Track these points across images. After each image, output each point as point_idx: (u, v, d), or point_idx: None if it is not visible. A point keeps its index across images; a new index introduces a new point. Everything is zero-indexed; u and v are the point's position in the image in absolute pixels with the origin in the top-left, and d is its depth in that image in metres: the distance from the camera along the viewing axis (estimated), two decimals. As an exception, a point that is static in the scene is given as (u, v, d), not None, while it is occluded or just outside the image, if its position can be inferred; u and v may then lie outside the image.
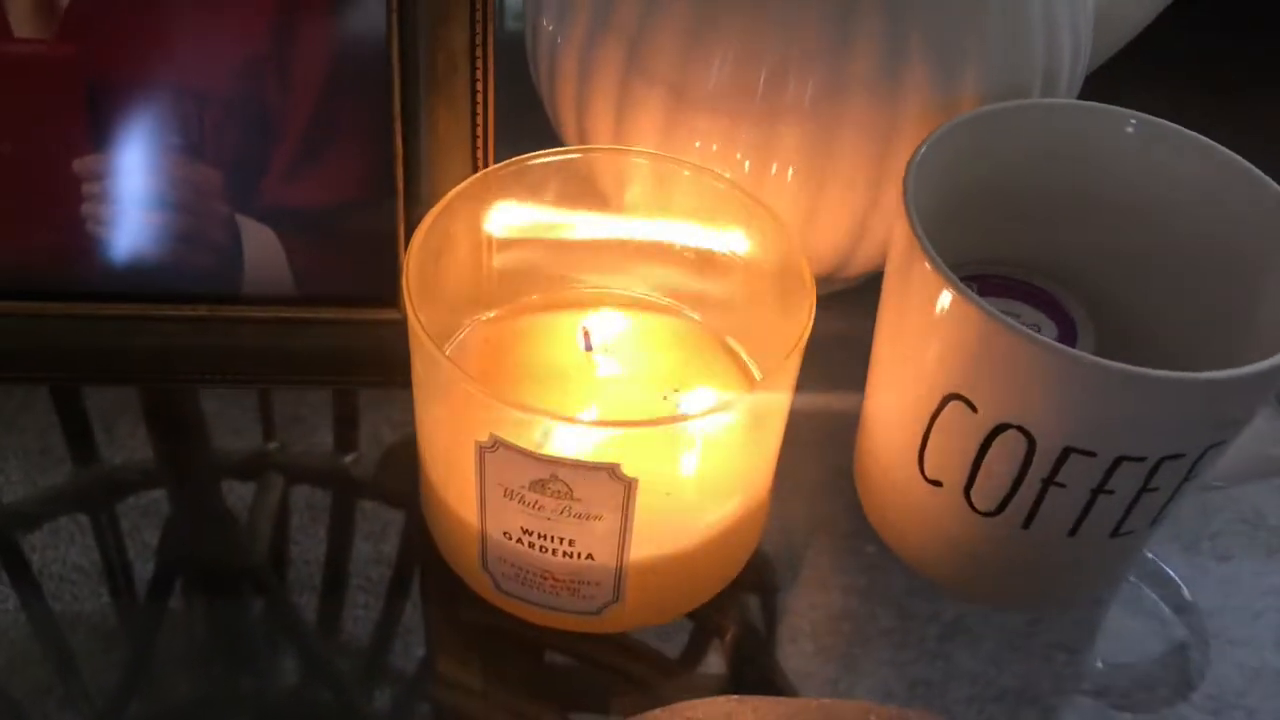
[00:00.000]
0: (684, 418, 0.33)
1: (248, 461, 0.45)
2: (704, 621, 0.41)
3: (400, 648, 0.41)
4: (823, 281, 0.44)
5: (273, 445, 0.45)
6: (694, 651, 0.41)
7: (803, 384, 0.37)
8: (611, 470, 0.33)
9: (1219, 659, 0.40)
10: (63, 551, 0.42)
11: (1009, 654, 0.40)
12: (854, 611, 0.42)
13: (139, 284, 0.43)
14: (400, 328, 0.43)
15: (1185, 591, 0.42)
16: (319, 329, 0.43)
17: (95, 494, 0.43)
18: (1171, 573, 0.43)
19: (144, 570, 0.41)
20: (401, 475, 0.43)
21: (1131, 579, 0.42)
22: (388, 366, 0.43)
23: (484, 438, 0.34)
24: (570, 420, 0.33)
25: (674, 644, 0.40)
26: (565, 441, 0.34)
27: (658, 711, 0.33)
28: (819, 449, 0.44)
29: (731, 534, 0.38)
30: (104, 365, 0.44)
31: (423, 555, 0.42)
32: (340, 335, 0.44)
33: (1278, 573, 0.43)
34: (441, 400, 0.36)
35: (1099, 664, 0.40)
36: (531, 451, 0.33)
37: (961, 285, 0.34)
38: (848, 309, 0.42)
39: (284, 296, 0.43)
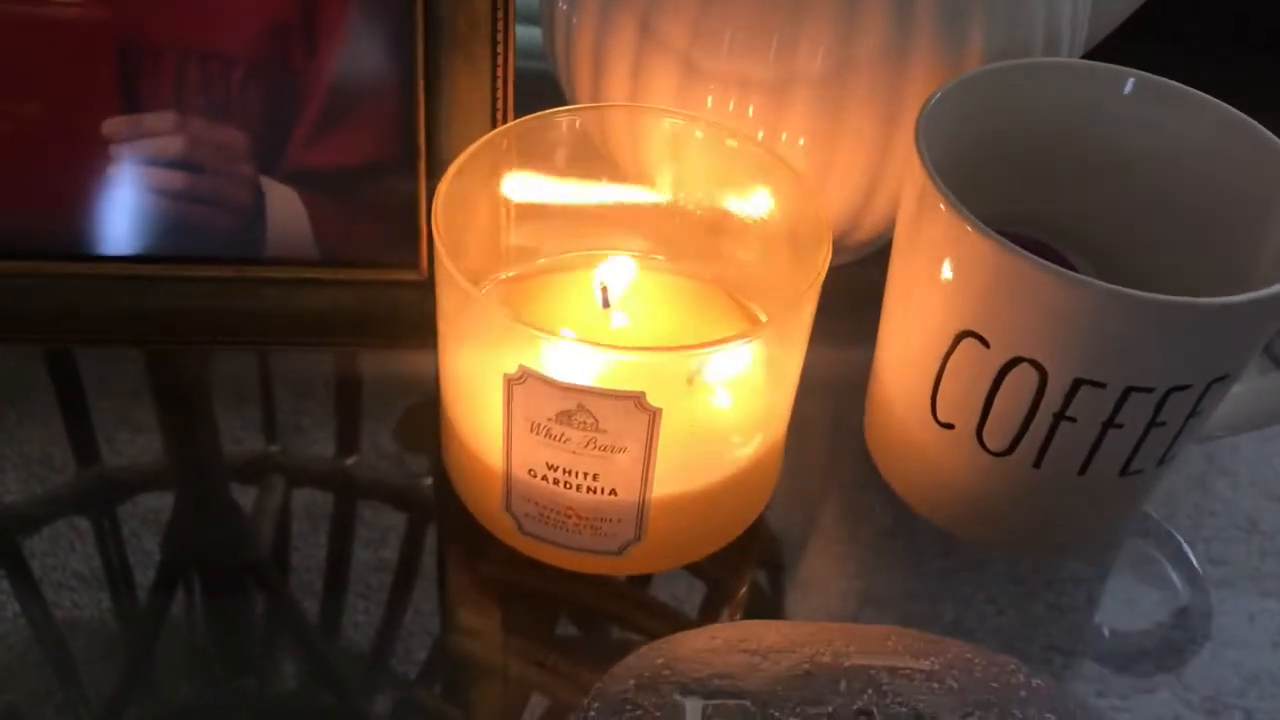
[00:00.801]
0: (707, 344, 0.34)
1: (261, 434, 0.45)
2: (720, 572, 0.42)
3: (422, 603, 0.41)
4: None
5: (282, 413, 0.46)
6: (711, 605, 0.41)
7: (813, 350, 0.38)
8: (637, 400, 0.34)
9: (1216, 661, 0.41)
10: (62, 559, 0.42)
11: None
12: (867, 562, 0.42)
13: (164, 245, 0.44)
14: (420, 288, 0.44)
15: (1180, 595, 0.43)
16: (340, 290, 0.44)
17: (95, 500, 0.43)
18: (1168, 576, 0.44)
19: (145, 569, 0.41)
20: (420, 436, 0.44)
21: (1127, 581, 0.43)
22: (408, 327, 0.44)
23: (513, 370, 0.35)
24: (598, 345, 0.34)
25: (690, 602, 0.41)
26: (590, 374, 0.35)
27: (684, 634, 0.34)
28: (830, 408, 0.45)
29: (749, 475, 0.39)
30: (129, 326, 0.44)
31: (443, 512, 0.43)
32: (361, 296, 0.44)
33: (1272, 577, 0.44)
34: (470, 338, 0.37)
35: (1096, 667, 0.41)
36: (559, 381, 0.34)
37: (975, 220, 0.35)
38: (852, 281, 0.43)
39: (306, 258, 0.44)
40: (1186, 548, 0.44)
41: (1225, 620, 0.42)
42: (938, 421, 0.39)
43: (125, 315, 0.44)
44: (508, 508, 0.39)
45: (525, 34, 0.45)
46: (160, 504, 0.43)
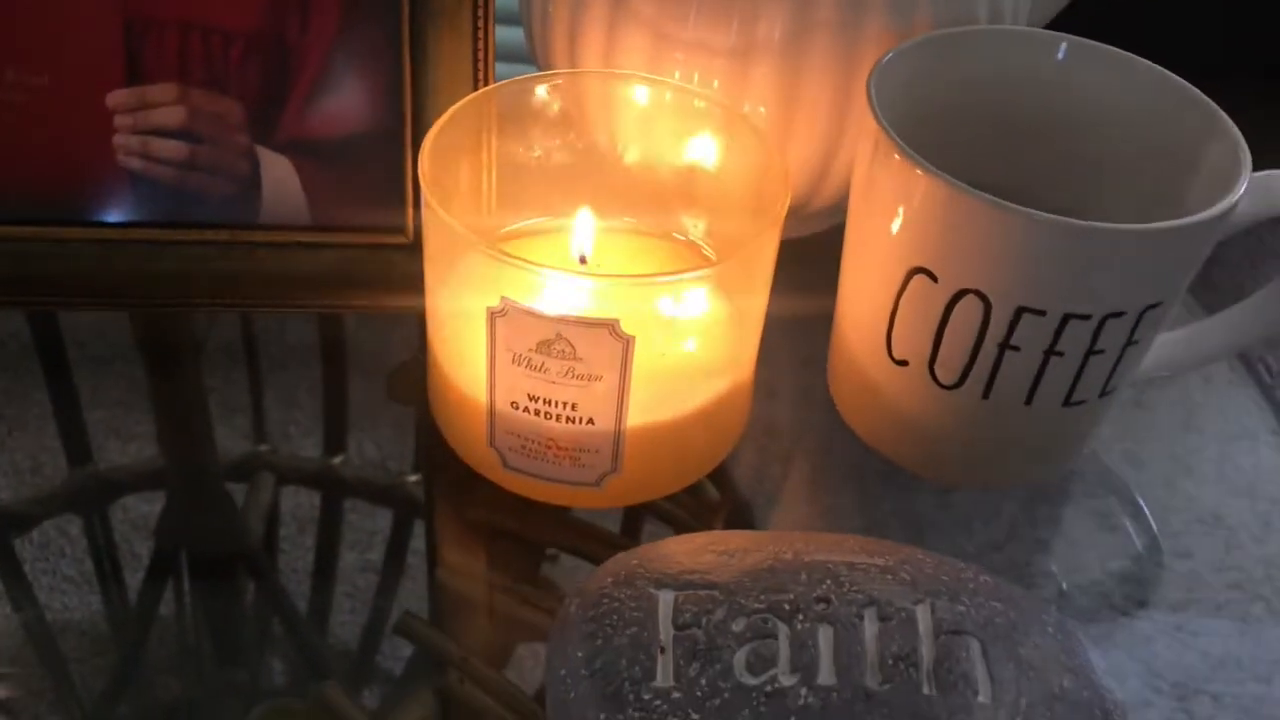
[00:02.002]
0: (674, 272, 0.37)
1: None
2: (692, 506, 0.44)
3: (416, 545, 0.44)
4: (792, 215, 0.48)
5: (277, 374, 0.48)
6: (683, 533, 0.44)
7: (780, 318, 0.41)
8: (611, 327, 0.37)
9: (1184, 649, 0.42)
10: (53, 563, 0.43)
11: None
12: (834, 501, 0.45)
13: (165, 211, 0.46)
14: (407, 251, 0.46)
15: (1149, 587, 0.45)
16: (331, 253, 0.47)
17: (87, 503, 0.45)
18: (1136, 569, 0.45)
19: (138, 562, 0.43)
20: (408, 390, 0.47)
21: (1095, 574, 0.45)
22: (395, 289, 0.47)
23: (495, 302, 0.37)
24: (574, 272, 0.36)
25: (663, 536, 0.43)
26: (567, 307, 0.38)
27: (656, 541, 0.36)
28: (793, 367, 0.48)
29: (720, 410, 0.42)
30: (129, 289, 0.47)
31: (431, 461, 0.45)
32: (351, 259, 0.47)
33: (1236, 568, 0.45)
34: (455, 274, 0.39)
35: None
36: (538, 311, 0.37)
37: (924, 161, 0.38)
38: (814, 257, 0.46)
39: (298, 223, 0.47)
40: (1154, 542, 0.46)
41: (1193, 610, 0.44)
42: (893, 359, 0.42)
43: (126, 278, 0.47)
44: (492, 442, 0.41)
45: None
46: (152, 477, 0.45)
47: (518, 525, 0.44)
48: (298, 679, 0.40)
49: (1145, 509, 0.47)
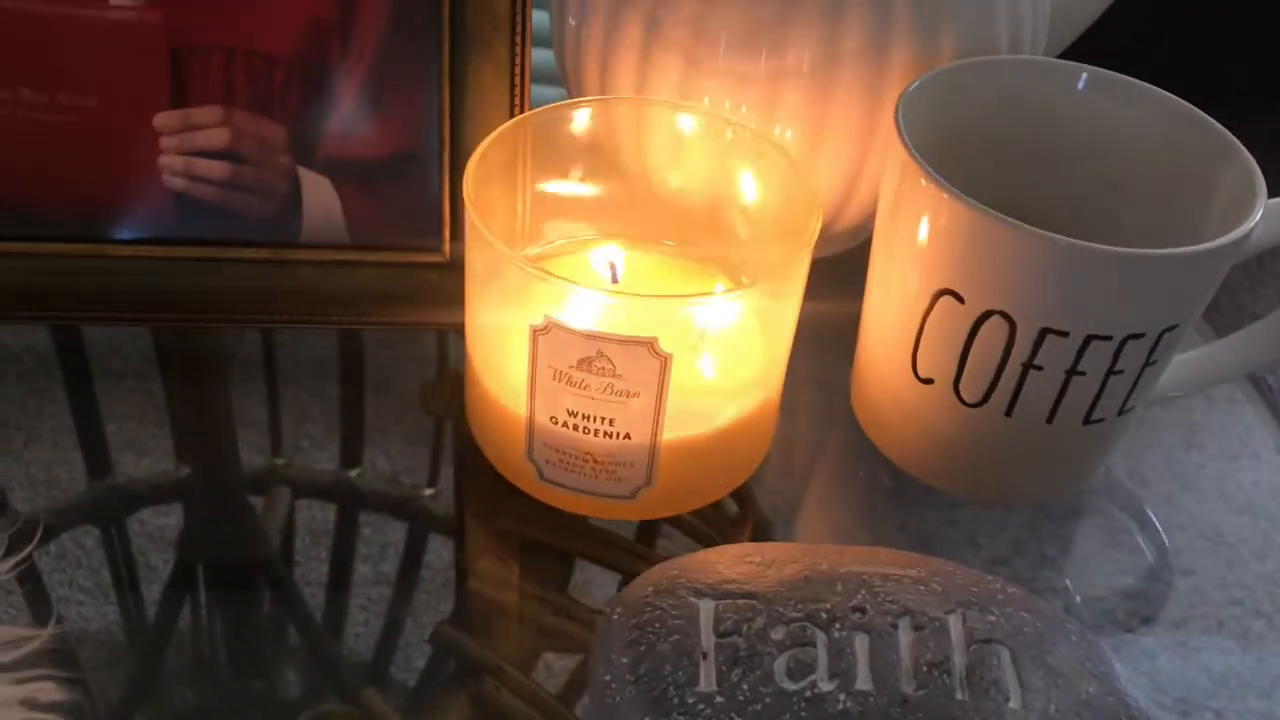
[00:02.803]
0: (712, 294, 0.38)
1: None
2: (722, 520, 0.46)
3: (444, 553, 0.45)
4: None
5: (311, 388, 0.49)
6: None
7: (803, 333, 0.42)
8: (650, 345, 0.38)
9: (1187, 665, 0.43)
10: (69, 574, 0.44)
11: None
12: (841, 517, 0.46)
13: (208, 229, 0.48)
14: (443, 270, 0.48)
15: (1152, 603, 0.45)
16: (370, 271, 0.48)
17: (105, 516, 0.45)
18: (1139, 585, 0.46)
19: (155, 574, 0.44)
20: (443, 403, 0.48)
21: (1100, 590, 0.46)
22: (432, 306, 0.48)
23: (538, 320, 0.39)
24: (616, 292, 0.38)
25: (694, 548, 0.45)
26: (607, 326, 0.39)
27: (693, 554, 0.38)
28: (820, 378, 0.50)
29: (749, 427, 0.43)
30: (174, 305, 0.48)
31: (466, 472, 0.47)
32: (388, 277, 0.48)
33: (1238, 585, 0.46)
34: (498, 293, 0.41)
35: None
36: (581, 330, 0.38)
37: (951, 187, 0.39)
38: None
39: (338, 242, 0.48)
40: (1157, 558, 0.47)
41: (1195, 627, 0.44)
42: (918, 378, 0.43)
43: (170, 295, 0.48)
44: (530, 455, 0.42)
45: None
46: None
47: (548, 536, 0.45)
48: (336, 688, 0.41)
49: (1148, 526, 0.48)
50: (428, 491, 0.47)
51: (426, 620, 0.43)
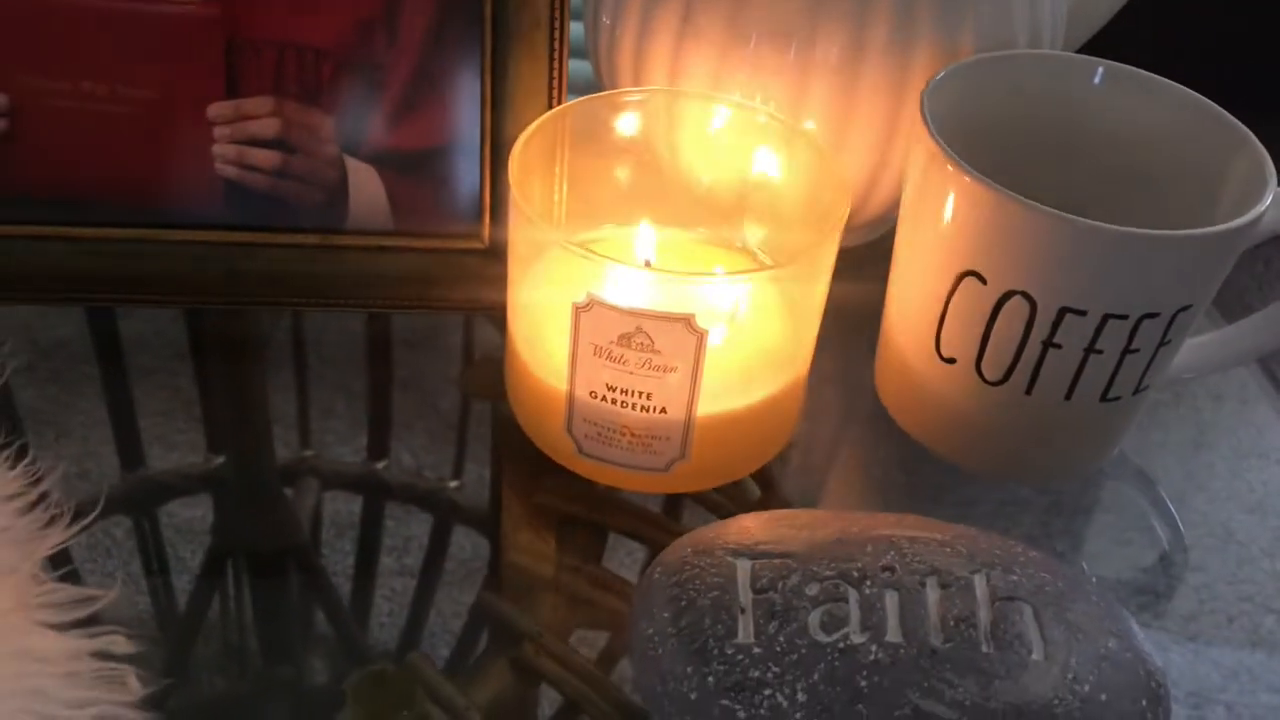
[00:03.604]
0: (746, 271, 0.40)
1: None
2: (752, 492, 0.47)
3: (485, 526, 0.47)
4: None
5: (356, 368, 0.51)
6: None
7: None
8: (688, 321, 0.40)
9: (1198, 659, 0.44)
10: (100, 563, 0.45)
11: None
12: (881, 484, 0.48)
13: (258, 215, 0.50)
14: (482, 255, 0.50)
15: (1162, 600, 0.46)
16: (413, 257, 0.50)
17: (135, 508, 0.46)
18: (1150, 581, 0.47)
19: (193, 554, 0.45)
20: (483, 384, 0.50)
21: (1112, 588, 0.46)
22: (472, 290, 0.50)
23: (581, 298, 0.41)
24: (657, 270, 0.40)
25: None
26: (645, 303, 0.41)
27: (727, 519, 0.39)
28: (844, 361, 0.51)
29: (778, 403, 0.45)
30: (225, 289, 0.50)
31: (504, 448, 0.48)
32: (430, 262, 0.50)
33: (1248, 582, 0.47)
34: (541, 273, 0.42)
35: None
36: (622, 307, 0.40)
37: (975, 171, 0.41)
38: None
39: (382, 228, 0.50)
40: (1167, 556, 0.48)
41: (1206, 622, 0.45)
42: (941, 357, 0.45)
43: (221, 278, 0.50)
44: (569, 429, 0.44)
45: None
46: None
47: (582, 510, 0.47)
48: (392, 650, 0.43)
49: (1159, 524, 0.49)
50: (453, 484, 0.49)
51: (464, 599, 0.44)
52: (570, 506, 0.47)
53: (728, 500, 0.47)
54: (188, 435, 0.49)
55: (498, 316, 0.48)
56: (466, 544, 0.47)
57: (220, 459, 0.49)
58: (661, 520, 0.47)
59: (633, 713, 0.40)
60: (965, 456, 0.47)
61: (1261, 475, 0.52)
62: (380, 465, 0.49)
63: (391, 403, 0.52)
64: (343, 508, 0.47)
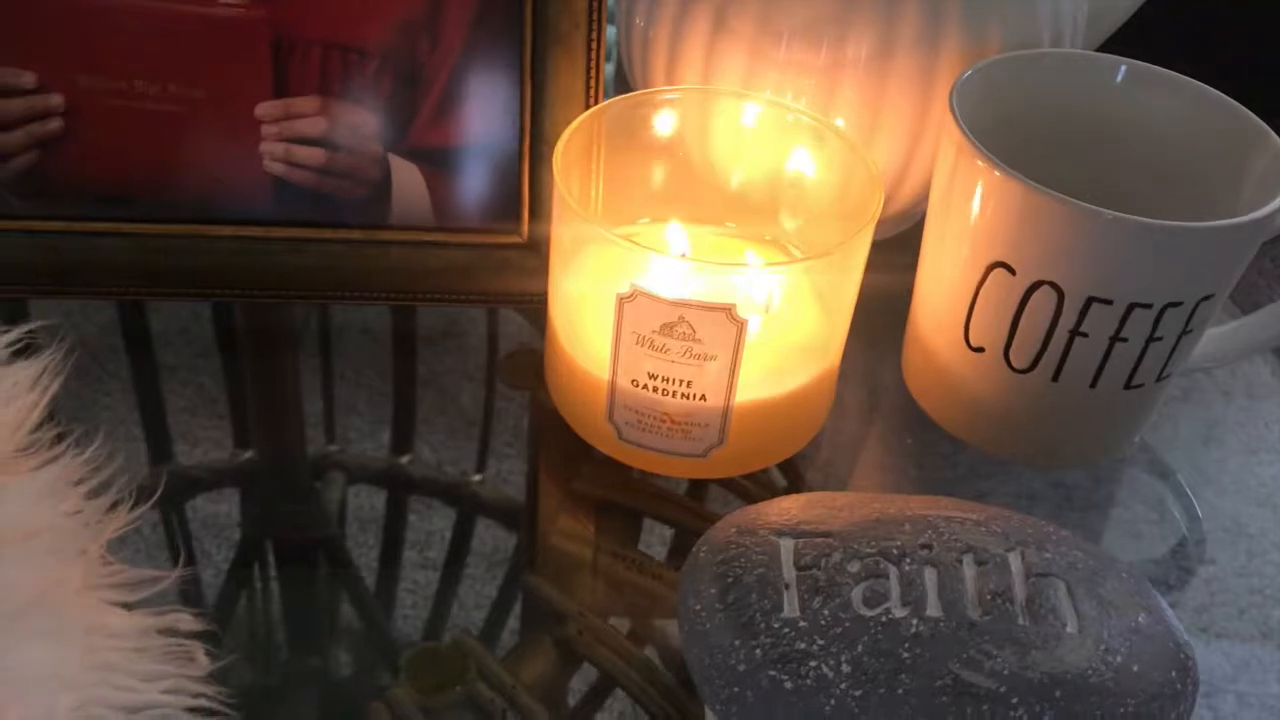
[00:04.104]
0: (787, 262, 0.41)
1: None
2: (787, 478, 0.49)
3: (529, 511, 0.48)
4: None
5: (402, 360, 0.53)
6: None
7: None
8: (729, 311, 0.42)
9: (1209, 649, 0.45)
10: (129, 556, 0.45)
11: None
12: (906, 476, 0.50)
13: (305, 211, 0.51)
14: (521, 250, 0.51)
15: (1174, 592, 0.47)
16: (454, 252, 0.52)
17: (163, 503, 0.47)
18: (1161, 573, 0.48)
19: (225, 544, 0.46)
20: (522, 374, 0.52)
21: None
22: (511, 283, 0.52)
23: (625, 289, 0.42)
24: (701, 261, 0.41)
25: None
26: (687, 293, 0.42)
27: (767, 501, 0.41)
28: (869, 355, 0.53)
29: (812, 392, 0.46)
30: (271, 283, 0.52)
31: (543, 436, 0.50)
32: (471, 257, 0.52)
33: (1258, 574, 0.48)
34: (584, 265, 0.44)
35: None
36: (665, 297, 0.42)
37: (1004, 165, 0.42)
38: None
39: (424, 224, 0.52)
40: (1178, 548, 0.49)
41: (1216, 614, 0.46)
42: (970, 346, 0.47)
43: (269, 273, 0.51)
44: (610, 417, 0.46)
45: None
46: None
47: (619, 496, 0.48)
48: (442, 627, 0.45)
49: (1170, 518, 0.50)
50: (476, 477, 0.50)
51: (499, 589, 0.46)
52: (607, 493, 0.49)
53: (757, 488, 0.49)
54: (209, 432, 0.50)
55: (534, 309, 0.49)
56: (496, 535, 0.48)
57: (248, 454, 0.50)
58: (694, 506, 0.48)
59: (670, 690, 0.42)
60: (992, 443, 0.49)
61: (1271, 470, 0.53)
62: (405, 459, 0.50)
63: (416, 398, 0.53)
64: (366, 502, 0.49)
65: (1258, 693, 0.44)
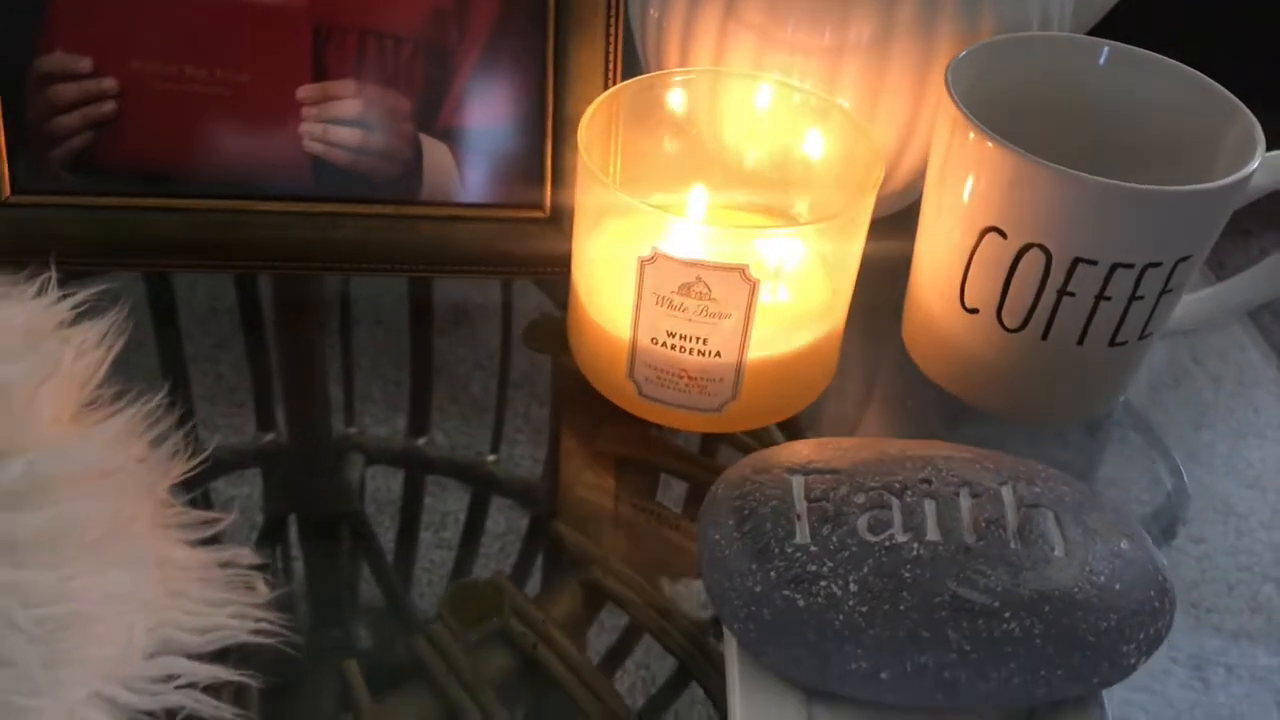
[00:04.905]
0: (795, 224, 0.45)
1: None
2: (796, 432, 0.52)
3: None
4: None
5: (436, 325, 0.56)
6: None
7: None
8: (742, 271, 0.45)
9: (1200, 625, 0.47)
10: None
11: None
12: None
13: (341, 188, 0.55)
14: (544, 224, 0.55)
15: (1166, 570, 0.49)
16: (481, 226, 0.55)
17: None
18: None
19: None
20: (544, 340, 0.55)
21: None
22: (534, 255, 0.55)
23: (646, 252, 0.46)
24: (717, 225, 0.45)
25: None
26: (703, 255, 0.46)
27: (778, 445, 0.44)
28: (869, 322, 0.56)
29: (818, 351, 0.50)
30: (309, 256, 0.55)
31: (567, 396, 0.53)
32: (497, 231, 0.55)
33: (1246, 552, 0.50)
34: (608, 231, 0.47)
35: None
36: (684, 258, 0.45)
37: (997, 136, 0.46)
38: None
39: (453, 199, 0.55)
40: (1169, 528, 0.51)
41: (1207, 590, 0.48)
42: (965, 308, 0.50)
43: (307, 246, 0.55)
44: (631, 374, 0.49)
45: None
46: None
47: (637, 452, 0.52)
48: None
49: (1161, 498, 0.52)
50: (490, 458, 0.53)
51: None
52: (626, 450, 0.52)
53: (764, 447, 0.52)
54: (229, 419, 0.52)
55: (555, 280, 0.53)
56: (546, 481, 0.51)
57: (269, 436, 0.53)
58: (708, 462, 0.52)
59: (685, 626, 0.45)
60: (987, 400, 0.52)
61: (1259, 452, 0.55)
62: (422, 441, 0.53)
63: (433, 375, 0.56)
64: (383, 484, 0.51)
65: (1247, 665, 0.46)
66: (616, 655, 0.45)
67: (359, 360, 0.56)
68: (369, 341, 0.56)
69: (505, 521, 0.49)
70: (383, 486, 0.50)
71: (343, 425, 0.53)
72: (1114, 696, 0.42)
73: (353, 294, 0.59)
